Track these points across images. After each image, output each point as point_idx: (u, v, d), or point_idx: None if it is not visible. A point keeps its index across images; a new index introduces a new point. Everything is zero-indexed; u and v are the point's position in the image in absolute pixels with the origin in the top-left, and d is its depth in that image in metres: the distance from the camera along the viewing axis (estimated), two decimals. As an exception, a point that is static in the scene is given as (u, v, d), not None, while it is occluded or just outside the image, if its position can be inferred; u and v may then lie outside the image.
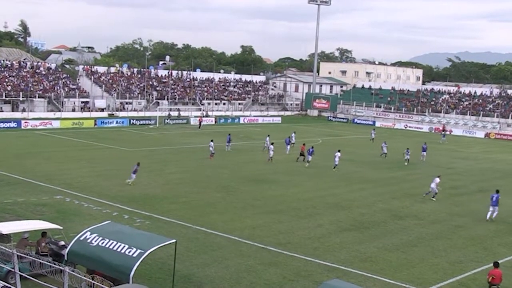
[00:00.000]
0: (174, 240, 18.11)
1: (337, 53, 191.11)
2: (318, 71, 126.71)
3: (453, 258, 24.10)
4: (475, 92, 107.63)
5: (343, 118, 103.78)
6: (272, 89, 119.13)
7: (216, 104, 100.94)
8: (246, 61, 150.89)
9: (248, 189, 35.89)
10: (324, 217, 29.77)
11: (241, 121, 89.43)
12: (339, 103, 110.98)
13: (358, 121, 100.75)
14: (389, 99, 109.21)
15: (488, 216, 31.21)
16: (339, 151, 46.68)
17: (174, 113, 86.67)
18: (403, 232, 27.84)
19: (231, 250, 23.43)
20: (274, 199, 33.42)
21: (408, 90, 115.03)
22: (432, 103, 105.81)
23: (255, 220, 28.54)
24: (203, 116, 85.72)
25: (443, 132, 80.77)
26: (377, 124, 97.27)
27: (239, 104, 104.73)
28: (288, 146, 54.64)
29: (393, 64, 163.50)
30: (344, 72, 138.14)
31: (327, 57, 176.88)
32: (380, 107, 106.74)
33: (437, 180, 36.16)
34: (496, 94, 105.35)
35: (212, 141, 48.74)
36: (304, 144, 50.61)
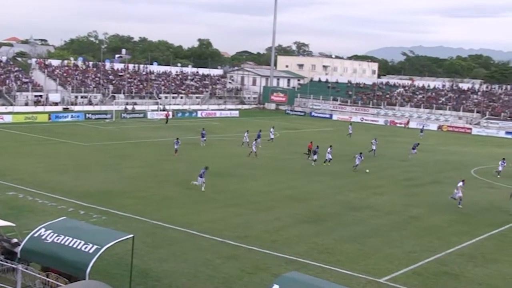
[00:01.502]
0: (131, 235, 17.91)
1: (294, 47, 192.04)
2: (275, 64, 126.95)
3: (408, 248, 24.55)
4: (428, 86, 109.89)
5: (300, 111, 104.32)
6: (229, 82, 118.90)
7: (173, 97, 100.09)
8: (204, 54, 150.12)
9: (206, 183, 35.67)
10: (282, 210, 29.90)
11: (199, 115, 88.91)
12: (297, 96, 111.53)
13: (315, 114, 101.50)
14: (350, 92, 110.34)
15: None
16: (330, 146, 46.72)
17: (129, 107, 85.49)
18: (359, 224, 28.22)
19: (189, 244, 23.32)
20: (233, 193, 33.40)
21: (364, 84, 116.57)
22: (388, 96, 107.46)
23: (213, 214, 28.46)
24: (161, 110, 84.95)
25: (411, 127, 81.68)
26: (334, 117, 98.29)
27: (197, 97, 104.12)
28: (259, 140, 54.37)
29: (350, 58, 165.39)
30: (301, 66, 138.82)
31: (285, 51, 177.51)
32: (337, 100, 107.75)
33: (460, 184, 33.71)
34: (448, 87, 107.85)
35: (177, 139, 47.42)
36: (311, 142, 49.76)
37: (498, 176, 44.77)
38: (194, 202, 30.62)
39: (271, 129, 60.09)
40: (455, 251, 24.53)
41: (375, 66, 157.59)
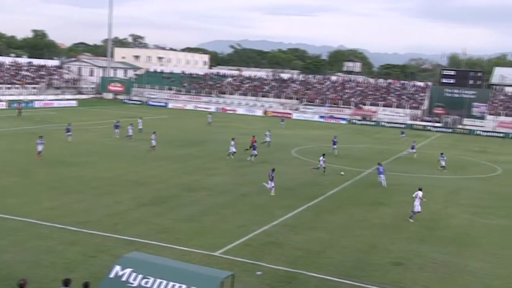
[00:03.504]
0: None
1: (130, 39, 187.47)
2: (112, 56, 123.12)
3: (239, 223, 25.34)
4: (254, 76, 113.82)
5: (137, 101, 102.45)
6: (67, 73, 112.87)
7: (7, 88, 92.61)
8: (39, 45, 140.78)
9: (46, 172, 33.76)
10: (124, 194, 29.24)
11: (36, 105, 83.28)
12: (133, 86, 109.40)
13: (152, 103, 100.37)
14: (186, 84, 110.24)
15: (383, 183, 35.70)
16: (233, 139, 44.47)
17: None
18: (196, 203, 28.53)
19: (29, 233, 21.88)
20: (73, 180, 31.92)
21: (197, 74, 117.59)
22: (218, 85, 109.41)
23: (53, 201, 26.99)
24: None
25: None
26: (170, 105, 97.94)
27: (33, 88, 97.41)
28: (117, 130, 51.81)
29: (183, 50, 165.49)
30: (137, 57, 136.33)
31: (121, 43, 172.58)
32: (172, 89, 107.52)
33: (420, 194, 27.82)
34: (271, 77, 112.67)
35: (41, 137, 39.62)
36: (254, 136, 47.27)
37: (445, 171, 43.28)
38: (33, 192, 28.74)
39: (139, 120, 57.23)
40: (280, 222, 25.84)
41: (206, 57, 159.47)
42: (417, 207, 27.35)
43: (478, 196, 35.28)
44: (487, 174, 44.46)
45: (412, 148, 50.91)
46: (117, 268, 13.63)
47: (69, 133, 48.10)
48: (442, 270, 20.77)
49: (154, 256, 16.61)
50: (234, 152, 43.26)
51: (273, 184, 31.53)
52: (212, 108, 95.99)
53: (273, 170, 32.25)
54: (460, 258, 22.40)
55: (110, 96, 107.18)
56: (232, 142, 43.66)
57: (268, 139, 52.56)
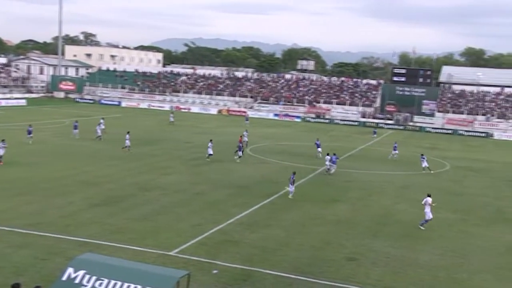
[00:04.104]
0: None
1: (82, 37, 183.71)
2: (63, 54, 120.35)
3: (194, 221, 25.20)
4: (209, 74, 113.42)
5: (90, 99, 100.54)
6: (15, 71, 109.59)
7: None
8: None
9: None
10: (76, 195, 28.64)
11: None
12: (86, 85, 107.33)
13: (105, 102, 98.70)
14: (140, 83, 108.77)
15: (332, 172, 39.48)
16: (211, 141, 43.40)
17: None
18: (150, 203, 28.20)
19: (-23, 237, 21.17)
20: (23, 181, 31.03)
21: (150, 72, 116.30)
22: (172, 84, 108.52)
23: (2, 204, 26.14)
24: None
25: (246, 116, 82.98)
26: (123, 104, 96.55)
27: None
28: (76, 130, 50.17)
29: (136, 48, 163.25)
30: (89, 55, 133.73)
31: (72, 40, 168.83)
32: (125, 88, 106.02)
33: (429, 200, 27.10)
34: (226, 75, 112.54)
35: (3, 141, 37.05)
36: (241, 136, 47.26)
37: (432, 171, 43.23)
38: (-20, 194, 27.81)
39: (101, 121, 54.70)
40: (235, 221, 25.84)
41: (160, 56, 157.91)
42: (428, 214, 26.60)
43: (428, 191, 36.10)
44: (436, 170, 45.70)
45: (394, 149, 50.23)
46: (70, 270, 13.32)
47: (30, 135, 46.03)
48: (394, 264, 21.25)
49: (108, 257, 16.33)
50: (211, 154, 42.52)
51: (293, 188, 31.32)
52: (166, 107, 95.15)
53: (294, 173, 32.05)
54: (412, 252, 22.96)
55: (61, 95, 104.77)
56: (210, 144, 43.00)
57: (246, 139, 51.91)
